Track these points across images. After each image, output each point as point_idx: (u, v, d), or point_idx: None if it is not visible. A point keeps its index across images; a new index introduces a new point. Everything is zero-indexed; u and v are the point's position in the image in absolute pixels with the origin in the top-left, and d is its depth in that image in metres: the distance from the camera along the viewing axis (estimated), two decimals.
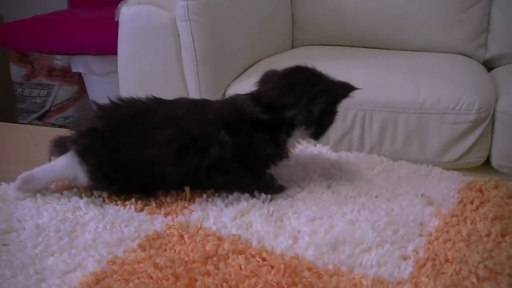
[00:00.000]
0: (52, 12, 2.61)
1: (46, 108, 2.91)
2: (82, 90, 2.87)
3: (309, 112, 0.86)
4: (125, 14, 1.76)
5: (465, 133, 1.59)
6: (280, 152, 0.88)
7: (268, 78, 0.91)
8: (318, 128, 0.89)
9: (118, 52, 1.81)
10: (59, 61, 2.93)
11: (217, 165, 0.84)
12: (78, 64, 2.44)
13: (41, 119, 2.87)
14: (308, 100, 0.86)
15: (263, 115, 0.85)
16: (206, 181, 0.86)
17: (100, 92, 2.43)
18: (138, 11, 1.75)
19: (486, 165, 1.62)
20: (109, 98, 0.89)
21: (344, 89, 0.90)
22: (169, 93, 1.74)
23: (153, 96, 0.90)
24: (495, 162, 1.61)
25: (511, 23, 1.97)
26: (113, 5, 1.98)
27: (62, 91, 2.93)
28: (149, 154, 0.83)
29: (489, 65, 1.98)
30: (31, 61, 2.98)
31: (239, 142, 0.84)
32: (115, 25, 1.80)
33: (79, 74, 2.68)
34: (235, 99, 0.89)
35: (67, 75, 2.92)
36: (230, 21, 1.78)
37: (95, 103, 0.89)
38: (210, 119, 0.85)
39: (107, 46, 2.15)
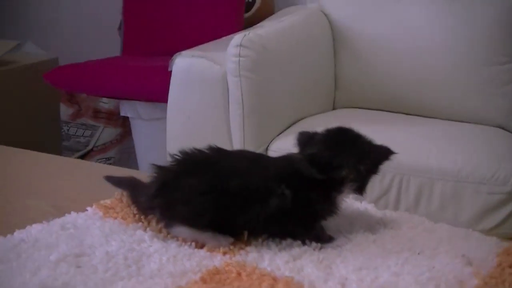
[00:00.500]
0: (105, 58, 2.73)
1: (89, 147, 3.01)
2: (126, 133, 2.96)
3: (358, 171, 0.95)
4: (179, 65, 1.86)
5: (500, 204, 1.62)
6: (332, 207, 0.96)
7: (310, 139, 0.98)
8: (362, 184, 0.98)
9: (168, 100, 1.91)
10: (105, 103, 3.04)
11: (275, 216, 0.91)
12: (127, 108, 2.53)
13: (84, 158, 2.96)
14: (357, 160, 0.95)
15: (319, 175, 0.93)
16: (263, 228, 0.93)
17: (145, 137, 2.53)
18: (191, 63, 1.85)
19: None
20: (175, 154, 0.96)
21: (386, 152, 1.00)
22: (214, 142, 1.83)
23: (216, 146, 0.98)
24: None
25: None
26: (164, 55, 2.09)
27: (106, 133, 3.02)
28: (222, 204, 0.91)
29: None
30: (78, 101, 3.09)
31: (297, 197, 0.92)
32: (166, 74, 1.90)
33: (124, 117, 2.77)
34: (292, 158, 0.97)
35: (112, 117, 3.02)
36: (277, 79, 1.87)
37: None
38: (271, 174, 0.93)
39: (156, 94, 2.24)
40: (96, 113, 3.06)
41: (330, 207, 0.96)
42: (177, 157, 0.96)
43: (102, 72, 2.51)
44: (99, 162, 2.92)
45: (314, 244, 0.93)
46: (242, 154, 1.00)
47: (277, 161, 0.98)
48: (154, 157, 0.99)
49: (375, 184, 1.67)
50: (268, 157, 1.00)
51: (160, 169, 0.96)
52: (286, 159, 0.97)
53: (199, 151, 0.96)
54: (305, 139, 0.99)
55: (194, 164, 0.95)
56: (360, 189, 0.98)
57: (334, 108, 2.24)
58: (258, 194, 0.91)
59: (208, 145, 0.97)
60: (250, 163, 0.96)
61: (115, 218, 0.99)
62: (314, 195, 0.93)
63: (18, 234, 0.92)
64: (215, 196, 0.90)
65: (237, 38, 1.76)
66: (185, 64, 1.85)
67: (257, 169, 0.94)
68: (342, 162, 0.94)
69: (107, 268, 0.83)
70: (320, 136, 0.98)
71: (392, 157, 1.00)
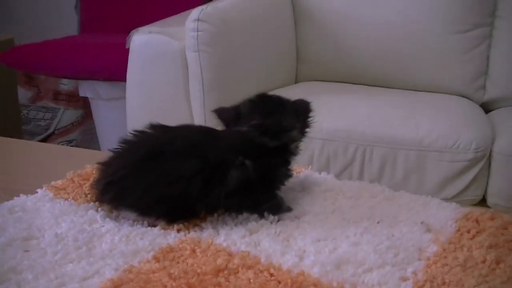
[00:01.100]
0: (62, 37, 2.67)
1: (50, 131, 2.95)
2: (87, 114, 2.91)
3: (302, 130, 0.97)
4: (136, 42, 1.82)
5: (462, 171, 1.64)
6: (288, 171, 0.96)
7: (237, 113, 0.97)
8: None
9: (127, 78, 1.87)
10: (65, 85, 2.98)
11: (235, 190, 0.89)
12: (86, 89, 2.48)
13: (45, 141, 2.90)
14: (297, 119, 0.97)
15: (272, 142, 0.92)
16: (222, 204, 0.91)
17: (106, 117, 2.48)
18: (148, 39, 1.81)
19: (482, 203, 1.66)
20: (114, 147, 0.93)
21: (307, 103, 1.01)
22: (175, 119, 1.80)
23: (159, 124, 0.94)
24: (490, 200, 1.66)
25: (510, 66, 2.04)
26: (123, 32, 2.04)
27: (67, 115, 2.97)
28: (176, 190, 0.87)
29: (487, 107, 2.04)
30: (37, 84, 3.03)
31: (259, 165, 0.90)
32: (125, 52, 1.86)
33: (84, 99, 2.72)
34: (240, 131, 0.94)
35: (72, 99, 2.96)
36: (237, 53, 1.84)
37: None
38: (225, 147, 0.91)
39: (115, 72, 2.20)
40: (56, 95, 3.00)
41: (287, 171, 0.96)
42: (119, 148, 0.92)
43: (60, 51, 2.45)
44: (61, 145, 2.87)
45: (271, 217, 0.91)
46: (189, 131, 0.96)
47: (227, 134, 0.95)
48: (116, 138, 0.95)
49: (338, 156, 1.67)
50: (216, 131, 0.96)
51: (104, 165, 0.92)
52: (236, 133, 0.94)
53: (142, 135, 0.92)
54: (230, 114, 0.97)
55: (139, 154, 0.90)
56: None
57: (296, 82, 2.22)
58: (216, 172, 0.88)
59: (150, 124, 0.93)
60: (199, 141, 0.92)
61: (66, 199, 0.96)
62: (274, 161, 0.93)
63: None
64: (165, 188, 0.87)
65: (195, 12, 1.72)
66: (142, 41, 1.81)
67: (209, 146, 0.90)
68: (289, 125, 0.95)
69: (56, 250, 0.79)
70: (247, 107, 0.97)
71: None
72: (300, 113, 0.98)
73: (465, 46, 2.05)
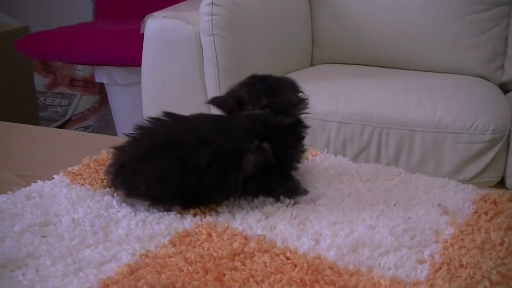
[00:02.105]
0: (77, 23, 2.68)
1: (67, 117, 2.97)
2: (103, 100, 2.92)
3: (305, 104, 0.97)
4: (150, 27, 1.82)
5: (480, 152, 1.62)
6: (303, 147, 0.97)
7: (237, 98, 0.96)
8: None
9: (142, 64, 1.87)
10: (81, 71, 2.99)
11: (254, 174, 0.89)
12: (102, 75, 2.50)
13: (62, 127, 2.92)
14: (300, 96, 0.98)
15: (287, 120, 0.93)
16: (240, 190, 0.90)
17: (122, 103, 2.49)
18: (163, 24, 1.81)
19: (501, 185, 1.65)
20: (129, 132, 0.93)
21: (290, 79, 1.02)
22: (190, 104, 1.80)
23: (173, 113, 0.94)
24: (509, 182, 1.64)
25: None
26: (137, 18, 2.04)
27: (83, 101, 2.98)
28: (191, 180, 0.87)
29: (505, 88, 2.01)
30: (53, 71, 3.04)
31: (277, 147, 0.90)
32: (139, 37, 1.86)
33: (101, 85, 2.73)
34: (252, 114, 0.94)
35: (88, 85, 2.97)
36: (252, 37, 1.84)
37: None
38: (238, 133, 0.90)
39: (131, 58, 2.20)
40: (72, 82, 3.01)
41: (301, 146, 0.97)
42: (134, 134, 0.92)
43: (75, 38, 2.46)
44: (78, 131, 2.88)
45: (287, 201, 0.91)
46: (202, 121, 0.94)
47: (240, 120, 0.93)
48: (132, 123, 0.95)
49: (354, 138, 1.66)
50: (228, 118, 0.95)
51: (118, 149, 0.92)
52: (248, 117, 0.93)
53: (158, 122, 0.92)
54: (229, 102, 0.97)
55: (153, 142, 0.90)
56: None
57: (312, 65, 2.21)
58: (232, 159, 0.88)
59: (164, 112, 0.93)
60: (213, 130, 0.91)
61: (83, 184, 0.96)
62: (289, 140, 0.93)
63: None
64: (180, 177, 0.87)
65: None
66: (157, 26, 1.81)
67: (222, 135, 0.89)
68: (297, 100, 0.96)
69: (73, 236, 0.80)
70: (245, 91, 0.97)
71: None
72: (294, 87, 0.99)
73: (482, 27, 2.02)
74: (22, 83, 2.80)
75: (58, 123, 2.95)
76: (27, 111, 2.80)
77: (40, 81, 2.99)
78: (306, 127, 0.97)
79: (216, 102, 0.99)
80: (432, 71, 2.06)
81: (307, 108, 0.97)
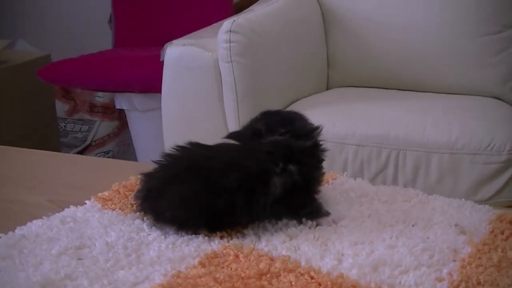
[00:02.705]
0: (98, 51, 2.74)
1: (87, 142, 3.03)
2: (122, 126, 2.98)
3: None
4: (170, 54, 1.87)
5: (497, 173, 1.64)
6: (323, 168, 1.01)
7: (255, 131, 1.01)
8: None
9: (162, 90, 1.92)
10: (100, 97, 3.05)
11: (281, 197, 0.92)
12: (122, 101, 2.55)
13: (82, 153, 2.98)
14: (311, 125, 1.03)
15: (308, 142, 0.98)
16: (267, 213, 0.94)
17: (142, 128, 2.54)
18: (182, 52, 1.86)
19: None
20: (157, 160, 0.97)
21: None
22: (210, 130, 1.84)
23: (198, 142, 0.98)
24: None
25: None
26: (156, 45, 2.10)
27: (103, 127, 3.04)
28: (220, 203, 0.90)
29: None
30: (73, 97, 3.11)
31: (301, 168, 0.94)
32: (159, 64, 1.91)
33: (120, 110, 2.79)
34: (275, 141, 0.98)
35: (108, 111, 3.04)
36: (270, 63, 1.88)
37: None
38: (264, 157, 0.93)
39: (150, 84, 2.25)
40: (92, 108, 3.08)
41: (322, 170, 1.01)
42: (161, 161, 0.96)
43: (96, 65, 2.53)
44: (98, 156, 2.93)
45: (309, 222, 0.94)
46: (226, 148, 0.99)
47: (263, 146, 0.97)
48: (152, 148, 1.00)
49: (372, 161, 1.69)
50: (251, 145, 0.99)
51: (146, 176, 0.96)
52: (270, 143, 0.97)
53: (184, 150, 0.96)
54: (247, 134, 1.02)
55: (180, 167, 0.93)
56: None
57: (328, 88, 2.25)
58: (259, 182, 0.91)
59: (189, 142, 0.97)
60: (239, 156, 0.95)
61: (114, 209, 1.00)
62: (311, 162, 0.97)
63: (19, 230, 0.93)
64: (207, 201, 0.90)
65: (227, 23, 1.77)
66: (176, 53, 1.86)
67: (248, 159, 0.93)
68: (312, 124, 1.01)
69: (108, 258, 0.84)
70: (261, 124, 1.01)
71: None
72: (305, 118, 1.04)
73: (496, 48, 2.05)
74: (43, 110, 2.87)
75: (78, 149, 3.00)
76: (49, 138, 2.86)
77: (60, 107, 3.06)
78: (324, 150, 1.01)
79: (234, 136, 1.03)
80: (447, 93, 2.08)
81: (322, 134, 1.01)
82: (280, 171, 0.92)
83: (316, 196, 0.99)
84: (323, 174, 1.02)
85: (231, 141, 1.01)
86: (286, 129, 0.98)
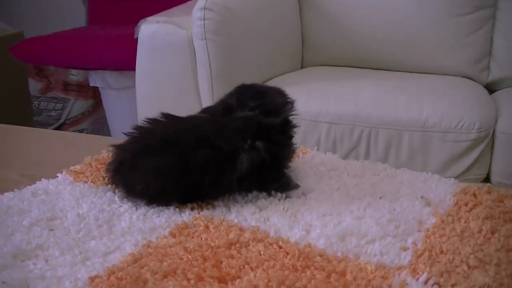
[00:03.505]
0: (71, 29, 2.72)
1: (61, 121, 3.00)
2: (97, 104, 2.96)
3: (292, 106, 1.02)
4: (144, 32, 1.86)
5: (466, 151, 1.68)
6: (293, 147, 1.02)
7: (226, 106, 1.02)
8: None
9: (136, 68, 1.92)
10: (74, 76, 3.02)
11: (248, 173, 0.93)
12: (96, 79, 2.53)
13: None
14: (285, 99, 1.03)
15: (277, 119, 0.98)
16: (235, 189, 0.95)
17: (116, 106, 2.54)
18: (156, 29, 1.85)
19: (486, 182, 1.70)
20: (128, 132, 0.97)
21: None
22: (184, 107, 1.84)
23: (170, 114, 0.98)
24: (494, 179, 1.70)
25: None
26: (131, 23, 2.09)
27: (77, 105, 3.02)
28: (189, 181, 0.91)
29: (491, 88, 2.08)
30: (47, 75, 3.07)
31: (269, 145, 0.94)
32: (133, 42, 1.91)
33: (94, 89, 2.77)
34: (245, 116, 0.99)
35: (82, 89, 3.01)
36: (244, 41, 1.89)
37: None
38: (234, 134, 0.94)
39: (125, 62, 2.24)
40: (66, 86, 3.04)
41: (292, 146, 1.01)
42: (133, 133, 0.96)
43: (69, 43, 2.50)
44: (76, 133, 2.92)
45: (279, 195, 0.96)
46: (198, 122, 0.99)
47: (234, 121, 0.98)
48: (126, 126, 1.00)
49: (344, 139, 1.71)
50: (222, 119, 1.00)
51: (117, 148, 0.97)
52: (241, 118, 0.98)
53: (156, 123, 0.96)
54: (218, 109, 1.03)
55: (152, 141, 0.94)
56: None
57: (302, 67, 2.26)
58: (228, 159, 0.92)
59: (161, 113, 0.97)
60: (210, 131, 0.95)
61: (85, 182, 1.01)
62: (279, 139, 0.97)
63: None
64: (178, 177, 0.91)
65: (201, 1, 1.77)
66: (150, 31, 1.86)
67: (218, 135, 0.94)
68: (284, 101, 1.01)
69: (79, 229, 0.85)
70: (233, 98, 1.02)
71: None
72: (280, 92, 1.04)
73: (468, 28, 2.08)
74: (16, 88, 2.84)
75: (52, 127, 2.98)
76: (22, 116, 2.84)
77: (34, 86, 3.02)
78: (294, 126, 1.02)
79: (207, 112, 1.04)
80: (419, 72, 2.11)
81: (294, 109, 1.01)
82: (248, 148, 0.93)
83: (286, 171, 1.00)
84: (293, 151, 1.03)
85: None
86: (256, 104, 0.99)
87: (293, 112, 1.01)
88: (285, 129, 1.00)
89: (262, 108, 0.98)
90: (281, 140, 0.98)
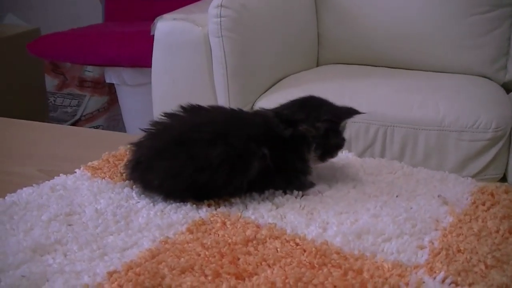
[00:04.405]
0: (87, 25, 2.73)
1: (77, 117, 3.03)
2: (112, 101, 2.98)
3: (316, 128, 0.97)
4: (160, 29, 1.87)
5: (482, 150, 1.66)
6: (307, 167, 0.99)
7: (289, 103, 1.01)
8: (325, 147, 0.99)
9: (152, 64, 1.92)
10: (90, 72, 3.05)
11: (257, 177, 0.93)
12: (112, 75, 2.55)
13: None
14: (314, 116, 0.97)
15: (286, 131, 0.96)
16: (245, 191, 0.95)
17: (132, 103, 2.55)
18: (172, 26, 1.86)
19: (503, 182, 1.69)
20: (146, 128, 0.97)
21: (348, 112, 1.02)
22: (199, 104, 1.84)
23: (190, 106, 0.98)
24: (511, 179, 1.69)
25: None
26: (147, 20, 2.10)
27: (93, 102, 3.04)
28: (203, 177, 0.91)
29: (508, 87, 2.06)
30: (63, 72, 3.10)
31: (275, 155, 0.94)
32: (149, 38, 1.91)
33: (110, 85, 2.79)
34: (267, 115, 0.99)
35: (97, 86, 3.03)
36: (260, 38, 1.89)
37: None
38: (249, 135, 0.93)
39: (141, 59, 2.25)
40: (82, 82, 3.07)
41: (303, 165, 0.98)
42: (151, 129, 0.96)
43: (86, 39, 2.52)
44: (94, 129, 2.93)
45: (296, 192, 0.96)
46: (218, 116, 0.99)
47: (253, 121, 0.98)
48: (141, 123, 1.00)
49: (360, 137, 1.71)
50: (243, 116, 1.00)
51: (136, 145, 0.97)
52: (263, 116, 0.98)
53: (173, 118, 0.96)
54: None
55: (168, 138, 0.94)
56: (324, 155, 1.00)
57: (318, 65, 2.26)
58: (241, 160, 0.92)
59: (181, 106, 0.97)
60: (227, 129, 0.94)
61: (103, 178, 1.02)
62: (286, 153, 0.96)
63: (9, 197, 0.95)
64: (192, 174, 0.91)
65: None
66: (166, 28, 1.86)
67: (235, 134, 0.93)
68: (300, 116, 0.97)
69: (97, 224, 0.86)
70: (291, 102, 1.02)
71: (355, 115, 1.02)
72: (328, 113, 0.98)
73: (485, 27, 2.07)
74: (33, 84, 2.86)
75: (68, 123, 3.00)
76: (38, 112, 2.86)
77: (50, 82, 3.05)
78: (308, 148, 0.98)
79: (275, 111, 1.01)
80: (436, 71, 2.10)
81: (316, 129, 0.97)
82: (259, 153, 0.92)
83: (301, 175, 0.98)
84: (304, 169, 0.99)
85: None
86: (278, 110, 0.99)
87: (309, 131, 0.97)
88: (299, 146, 0.97)
89: (279, 116, 0.97)
90: (289, 155, 0.96)
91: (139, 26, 2.41)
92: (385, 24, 2.14)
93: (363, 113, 1.03)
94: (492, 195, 0.94)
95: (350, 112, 1.02)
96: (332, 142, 0.99)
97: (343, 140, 1.01)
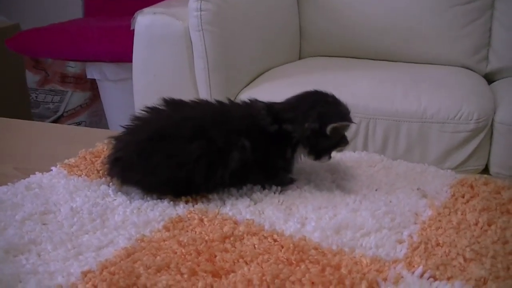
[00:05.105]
0: (68, 21, 2.70)
1: (59, 113, 3.00)
2: (95, 96, 2.95)
3: (303, 129, 0.94)
4: (141, 23, 1.85)
5: (464, 141, 1.67)
6: (288, 165, 0.97)
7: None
8: (314, 148, 0.96)
9: (133, 59, 1.90)
10: (72, 68, 3.01)
11: (238, 169, 0.92)
12: (93, 71, 2.52)
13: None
14: (302, 118, 0.94)
15: (271, 126, 0.94)
16: (226, 184, 0.94)
17: (114, 98, 2.52)
18: (153, 20, 1.84)
19: (485, 173, 1.70)
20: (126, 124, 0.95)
21: (338, 118, 0.95)
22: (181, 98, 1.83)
23: (172, 100, 0.96)
24: (493, 170, 1.69)
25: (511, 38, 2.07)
26: (127, 14, 2.07)
27: (75, 97, 3.01)
28: (181, 173, 0.90)
29: (490, 78, 2.06)
30: (44, 67, 3.06)
31: (256, 148, 0.92)
32: (130, 33, 1.89)
33: (92, 81, 2.76)
34: (255, 107, 0.97)
35: (79, 81, 3.00)
36: (241, 32, 1.87)
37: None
38: (230, 129, 0.92)
39: (122, 54, 2.23)
40: (64, 78, 3.03)
41: (284, 163, 0.97)
42: (131, 125, 0.95)
43: (66, 34, 2.49)
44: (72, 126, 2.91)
45: (274, 187, 0.95)
46: (199, 110, 0.96)
47: (236, 115, 0.96)
48: (124, 118, 0.98)
49: None
50: (226, 110, 0.97)
51: (115, 140, 0.96)
52: (248, 108, 0.97)
53: (154, 112, 0.95)
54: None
55: (147, 133, 0.92)
56: (313, 154, 0.97)
57: (300, 58, 2.25)
58: (221, 154, 0.91)
59: (163, 99, 0.95)
60: (208, 123, 0.93)
61: (80, 175, 1.01)
62: (269, 147, 0.94)
63: None
64: (171, 170, 0.90)
65: None
66: (147, 22, 1.84)
67: (216, 128, 0.92)
68: (289, 116, 0.95)
69: (72, 223, 0.84)
70: (293, 97, 0.99)
71: (345, 123, 0.96)
72: (319, 116, 0.94)
73: (466, 18, 2.07)
74: (14, 80, 2.82)
75: (50, 120, 2.97)
76: (20, 108, 2.83)
77: (31, 78, 3.01)
78: (291, 148, 0.95)
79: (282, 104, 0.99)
80: (418, 63, 2.10)
81: (302, 131, 0.94)
82: (240, 145, 0.91)
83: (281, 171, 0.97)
84: (285, 167, 0.97)
85: None
86: (267, 104, 0.97)
87: (296, 131, 0.94)
88: (282, 143, 0.95)
89: (268, 111, 0.95)
90: (272, 149, 0.94)
91: (120, 21, 2.38)
92: (367, 17, 2.14)
93: (354, 123, 0.99)
94: (472, 187, 0.94)
95: (338, 119, 0.95)
96: (320, 145, 0.95)
97: (343, 142, 0.98)
